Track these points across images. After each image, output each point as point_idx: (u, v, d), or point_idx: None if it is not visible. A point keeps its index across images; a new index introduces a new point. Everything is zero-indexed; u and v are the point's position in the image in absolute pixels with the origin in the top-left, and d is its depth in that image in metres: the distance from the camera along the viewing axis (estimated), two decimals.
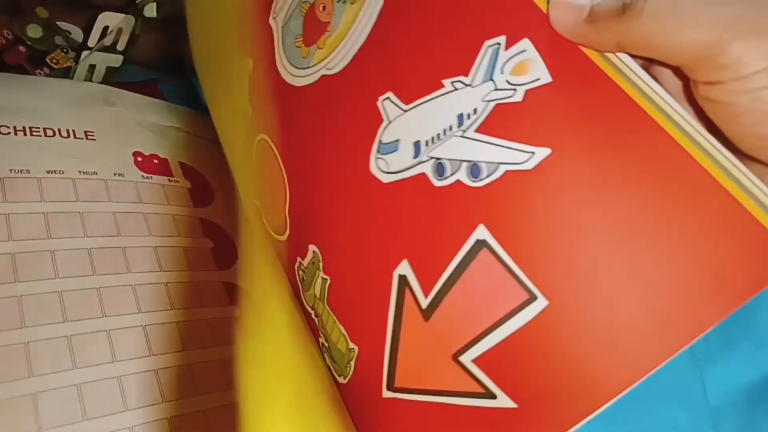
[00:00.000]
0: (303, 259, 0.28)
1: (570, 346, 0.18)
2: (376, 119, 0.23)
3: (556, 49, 0.19)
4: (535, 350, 0.19)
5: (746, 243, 0.16)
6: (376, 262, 0.24)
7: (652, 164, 0.17)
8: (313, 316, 0.28)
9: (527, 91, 0.19)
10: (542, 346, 0.19)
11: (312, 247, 0.27)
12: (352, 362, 0.26)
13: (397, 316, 0.23)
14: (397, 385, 0.23)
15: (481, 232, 0.20)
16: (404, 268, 0.23)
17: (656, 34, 0.16)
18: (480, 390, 0.20)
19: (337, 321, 0.26)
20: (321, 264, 0.27)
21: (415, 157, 0.22)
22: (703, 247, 0.16)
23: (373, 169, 0.23)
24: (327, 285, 0.27)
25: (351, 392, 0.26)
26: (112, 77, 0.44)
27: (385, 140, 0.23)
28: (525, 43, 0.19)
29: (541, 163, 0.19)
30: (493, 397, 0.20)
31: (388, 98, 0.23)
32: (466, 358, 0.21)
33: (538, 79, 0.19)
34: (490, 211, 0.20)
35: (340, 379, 0.27)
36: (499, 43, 0.20)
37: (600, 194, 0.18)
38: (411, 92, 0.22)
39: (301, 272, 0.29)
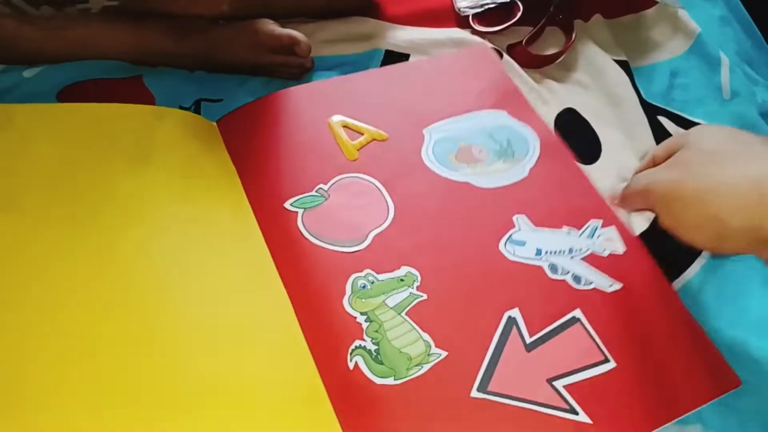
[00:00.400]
0: (379, 273, 0.32)
1: (630, 391, 0.30)
2: (510, 224, 0.35)
3: (627, 236, 0.35)
4: (607, 389, 0.30)
5: None
6: (490, 302, 0.32)
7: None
8: (357, 320, 0.31)
9: (610, 254, 0.35)
10: (611, 388, 0.30)
11: (407, 268, 0.33)
12: (427, 365, 0.29)
13: (501, 341, 0.30)
14: (490, 389, 0.29)
15: (577, 313, 0.32)
16: (515, 312, 0.32)
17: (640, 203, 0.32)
18: (566, 406, 0.29)
19: (418, 329, 0.30)
20: (416, 283, 0.32)
21: (537, 255, 0.34)
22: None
23: (502, 248, 0.34)
24: (417, 300, 0.31)
25: (413, 390, 0.29)
26: None
27: (515, 238, 0.35)
28: (612, 229, 0.36)
29: (616, 291, 0.33)
30: (576, 413, 0.29)
31: (522, 217, 0.36)
32: (559, 384, 0.29)
33: (617, 249, 0.35)
34: (583, 303, 0.32)
35: (384, 381, 0.29)
36: (597, 225, 0.36)
37: (655, 313, 0.33)
38: (541, 222, 0.36)
39: (363, 281, 0.32)
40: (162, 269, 0.31)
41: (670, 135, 0.43)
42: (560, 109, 0.44)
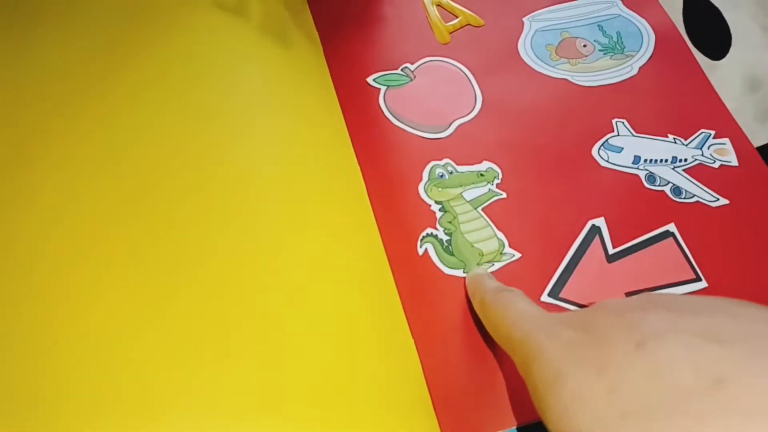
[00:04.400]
0: (459, 164, 0.31)
1: None
2: (607, 127, 0.32)
3: (744, 151, 0.32)
4: None
5: None
6: (574, 208, 0.30)
7: None
8: (431, 208, 0.30)
9: (721, 165, 0.31)
10: None
11: (488, 163, 0.31)
12: (499, 263, 0.28)
13: (580, 249, 0.29)
14: (562, 295, 0.27)
15: (671, 227, 0.29)
16: (600, 221, 0.29)
17: None
18: None
19: (493, 226, 0.29)
20: (497, 180, 0.30)
21: (634, 164, 0.31)
22: None
23: (594, 153, 0.31)
24: (495, 197, 0.30)
25: None
26: None
27: (611, 143, 0.32)
28: (726, 140, 0.32)
29: (721, 206, 0.30)
30: None
31: (623, 122, 0.32)
32: None
33: (730, 162, 0.31)
34: (680, 217, 0.30)
35: (453, 272, 0.28)
36: (709, 135, 0.32)
37: (756, 232, 0.29)
38: (643, 128, 0.32)
39: (441, 170, 0.31)
40: (232, 127, 0.30)
41: None
42: None
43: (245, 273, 0.26)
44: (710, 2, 0.38)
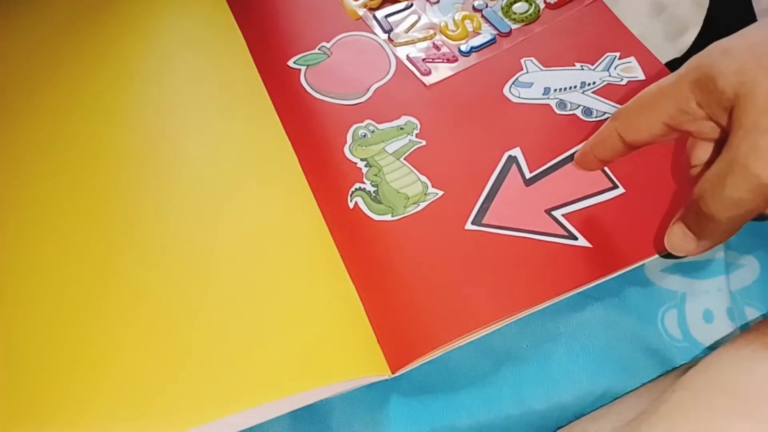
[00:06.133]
0: (379, 123, 0.33)
1: (636, 217, 0.29)
2: (517, 67, 0.34)
3: (649, 65, 0.33)
4: (610, 215, 0.29)
5: None
6: (490, 144, 0.32)
7: None
8: (357, 166, 0.32)
9: (629, 81, 0.33)
10: (615, 214, 0.29)
11: (407, 118, 0.33)
12: (424, 203, 0.30)
13: (498, 178, 0.30)
14: (485, 221, 0.29)
15: None
16: (516, 152, 0.31)
17: None
18: (564, 233, 0.29)
19: (416, 172, 0.31)
20: (416, 131, 0.32)
21: (544, 95, 0.33)
22: None
23: (506, 92, 0.33)
24: (416, 146, 0.32)
25: (409, 224, 0.30)
26: None
27: (521, 80, 0.33)
28: (632, 59, 0.34)
29: None
30: (575, 239, 0.28)
31: (531, 59, 0.34)
32: (558, 213, 0.29)
33: (637, 77, 0.33)
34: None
35: (383, 217, 0.30)
36: (614, 57, 0.34)
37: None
38: (551, 62, 0.34)
39: (363, 130, 0.33)
40: (169, 121, 0.33)
41: None
42: None
43: (188, 240, 0.29)
44: None
